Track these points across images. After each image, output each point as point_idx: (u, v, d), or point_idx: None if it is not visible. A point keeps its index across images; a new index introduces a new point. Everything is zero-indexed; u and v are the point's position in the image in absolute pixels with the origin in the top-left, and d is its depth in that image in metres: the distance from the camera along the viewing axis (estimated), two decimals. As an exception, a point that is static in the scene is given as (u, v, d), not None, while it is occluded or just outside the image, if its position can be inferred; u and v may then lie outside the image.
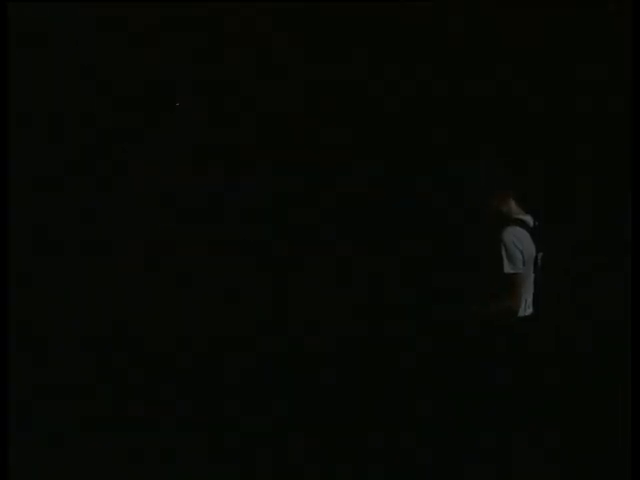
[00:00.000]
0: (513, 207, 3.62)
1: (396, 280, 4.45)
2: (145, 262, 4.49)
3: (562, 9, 4.30)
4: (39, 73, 4.34)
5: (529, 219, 3.61)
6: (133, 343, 4.40)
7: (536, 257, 3.58)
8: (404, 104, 4.42)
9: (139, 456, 3.83)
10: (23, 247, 4.28)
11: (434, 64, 4.39)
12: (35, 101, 4.35)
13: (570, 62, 4.33)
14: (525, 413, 3.61)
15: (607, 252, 4.29)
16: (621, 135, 4.04)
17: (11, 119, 3.81)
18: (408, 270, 4.43)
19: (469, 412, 3.65)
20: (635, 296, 3.32)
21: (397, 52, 4.42)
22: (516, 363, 3.55)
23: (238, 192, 4.50)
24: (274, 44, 4.45)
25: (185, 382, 4.30)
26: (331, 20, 4.41)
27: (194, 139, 4.51)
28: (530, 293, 3.59)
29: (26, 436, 3.88)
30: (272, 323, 4.48)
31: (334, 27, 4.42)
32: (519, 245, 3.48)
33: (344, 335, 4.42)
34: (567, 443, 3.85)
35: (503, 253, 3.46)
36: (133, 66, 4.42)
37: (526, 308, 3.57)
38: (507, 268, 3.46)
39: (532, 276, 3.58)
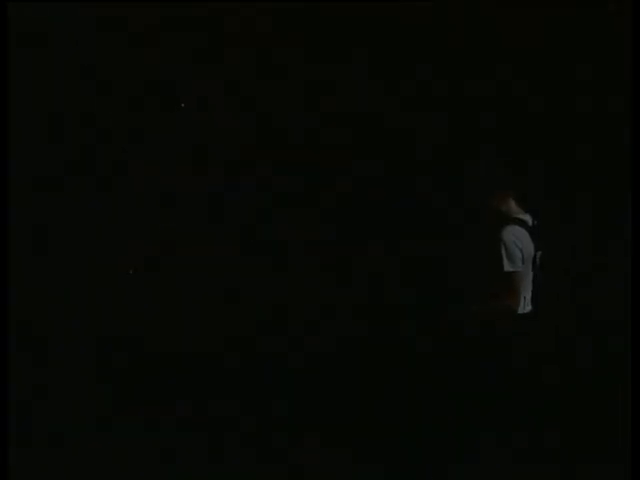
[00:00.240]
0: (512, 206, 3.65)
1: (396, 280, 4.45)
2: (145, 262, 4.49)
3: (562, 9, 4.29)
4: (39, 73, 4.34)
5: (528, 218, 3.64)
6: (133, 343, 4.39)
7: (535, 256, 3.61)
8: (404, 104, 4.41)
9: (139, 456, 3.83)
10: (23, 247, 4.28)
11: (434, 64, 4.39)
12: (35, 101, 4.35)
13: (570, 62, 4.33)
14: (525, 413, 3.61)
15: (607, 252, 4.29)
16: (621, 135, 4.04)
17: (11, 119, 3.81)
18: (408, 270, 4.43)
19: (469, 412, 3.65)
20: (635, 296, 3.32)
21: (397, 52, 4.42)
22: (516, 363, 3.56)
23: (238, 192, 4.50)
24: (274, 44, 4.45)
25: (185, 382, 4.30)
26: (331, 20, 4.41)
27: (194, 139, 4.51)
28: (529, 291, 3.63)
29: (26, 436, 3.88)
30: (272, 323, 4.48)
31: (334, 27, 4.42)
32: (518, 244, 3.52)
33: (344, 335, 4.41)
34: (567, 443, 3.85)
35: (503, 252, 3.50)
36: (133, 66, 4.42)
37: (525, 305, 3.61)
38: (507, 266, 3.50)
39: (531, 274, 3.62)
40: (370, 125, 4.49)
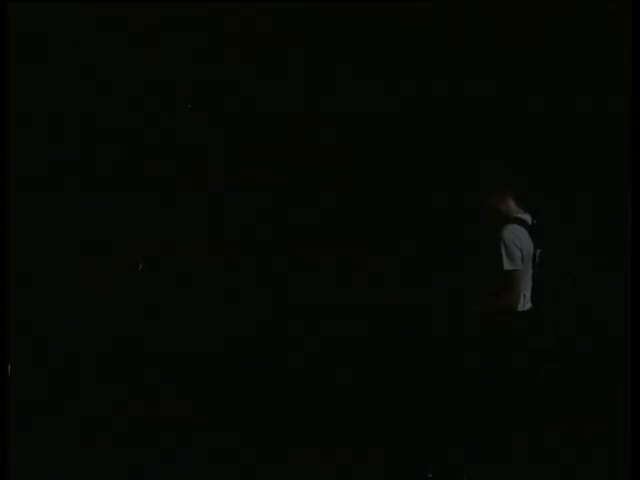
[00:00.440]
0: (512, 206, 3.68)
1: (396, 280, 4.45)
2: (145, 262, 4.49)
3: (562, 9, 4.30)
4: (39, 73, 4.34)
5: (527, 217, 3.66)
6: (133, 343, 4.39)
7: (534, 254, 3.64)
8: (404, 104, 4.42)
9: (139, 456, 3.83)
10: (23, 247, 4.28)
11: (434, 64, 4.39)
12: (35, 101, 4.35)
13: (570, 62, 4.33)
14: (525, 413, 3.62)
15: (607, 252, 4.30)
16: (621, 135, 4.04)
17: (11, 119, 3.81)
18: (408, 270, 4.43)
19: (469, 411, 3.65)
20: (635, 296, 3.32)
21: (397, 52, 4.42)
22: (516, 363, 3.56)
23: (238, 192, 4.50)
24: (274, 44, 4.45)
25: (185, 382, 4.30)
26: (331, 20, 4.41)
27: (194, 139, 4.51)
28: (528, 289, 3.66)
29: (26, 436, 3.88)
30: (272, 323, 4.48)
31: (334, 27, 4.42)
32: (518, 243, 3.56)
33: (344, 335, 4.41)
34: (567, 443, 3.85)
35: (502, 250, 3.53)
36: (133, 66, 4.42)
37: (525, 303, 3.64)
38: (506, 265, 3.54)
39: (530, 272, 3.66)
40: (370, 125, 4.49)
